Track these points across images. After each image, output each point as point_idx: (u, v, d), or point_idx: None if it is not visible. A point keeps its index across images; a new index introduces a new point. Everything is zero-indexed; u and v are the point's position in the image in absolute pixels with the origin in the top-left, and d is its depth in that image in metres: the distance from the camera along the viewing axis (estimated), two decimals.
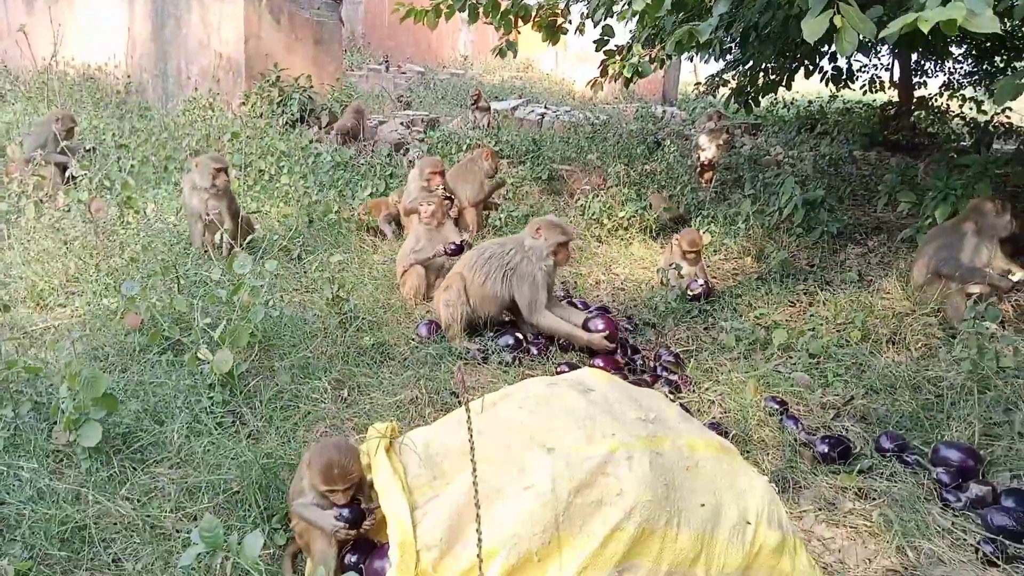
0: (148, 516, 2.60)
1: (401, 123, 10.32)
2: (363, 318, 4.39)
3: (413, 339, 4.32)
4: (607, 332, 4.21)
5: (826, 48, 9.96)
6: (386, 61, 17.35)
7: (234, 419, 3.23)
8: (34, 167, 6.28)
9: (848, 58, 10.66)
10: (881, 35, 3.05)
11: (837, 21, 3.28)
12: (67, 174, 6.19)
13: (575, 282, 5.58)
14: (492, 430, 2.57)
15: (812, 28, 3.33)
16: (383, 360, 4.06)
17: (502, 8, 6.37)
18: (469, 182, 6.60)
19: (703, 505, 2.37)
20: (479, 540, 1.69)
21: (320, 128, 10.12)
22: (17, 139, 6.79)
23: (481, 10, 6.20)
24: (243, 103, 10.18)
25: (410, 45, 19.47)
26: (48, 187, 6.12)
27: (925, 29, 2.76)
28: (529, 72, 20.32)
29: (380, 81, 15.42)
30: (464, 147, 8.88)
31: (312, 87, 10.66)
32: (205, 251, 5.16)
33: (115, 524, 2.56)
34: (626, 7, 5.92)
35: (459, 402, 3.59)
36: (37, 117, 7.55)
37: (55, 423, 2.95)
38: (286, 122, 9.94)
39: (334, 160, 7.66)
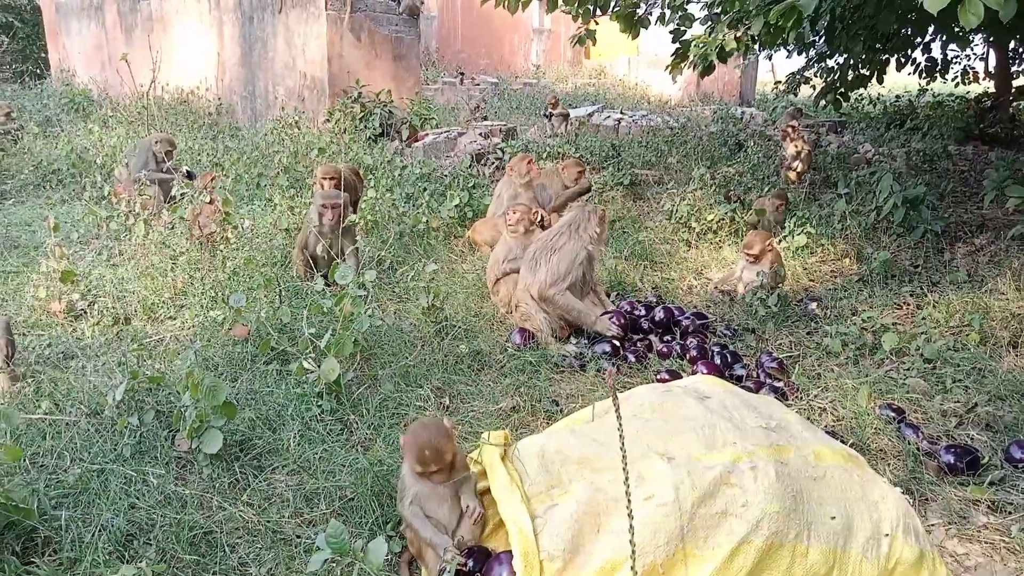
0: (269, 521, 2.66)
1: (479, 133, 10.41)
2: (458, 327, 4.42)
3: (508, 347, 4.32)
4: (613, 317, 4.43)
5: (920, 39, 9.57)
6: (460, 74, 17.58)
7: (343, 427, 3.29)
8: (140, 187, 6.60)
9: (945, 47, 10.19)
10: None
11: None
12: (171, 193, 6.49)
13: (666, 288, 5.48)
14: (607, 439, 2.53)
15: None
16: (480, 368, 4.08)
17: None
18: (549, 189, 6.61)
19: (833, 518, 2.27)
20: (632, 544, 1.65)
21: (402, 141, 10.31)
22: (123, 161, 7.15)
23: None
24: (327, 120, 10.47)
25: (483, 57, 19.69)
26: (153, 206, 6.41)
27: None
28: (602, 79, 20.24)
29: (455, 94, 15.63)
30: (544, 154, 8.89)
31: (392, 102, 10.89)
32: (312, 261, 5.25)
33: (238, 529, 2.64)
34: None
35: (560, 410, 3.57)
36: (139, 140, 7.93)
37: (177, 431, 3.06)
38: (369, 136, 10.18)
39: (419, 172, 7.78)
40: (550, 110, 11.58)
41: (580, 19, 6.45)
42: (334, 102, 10.73)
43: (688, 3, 6.55)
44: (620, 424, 1.61)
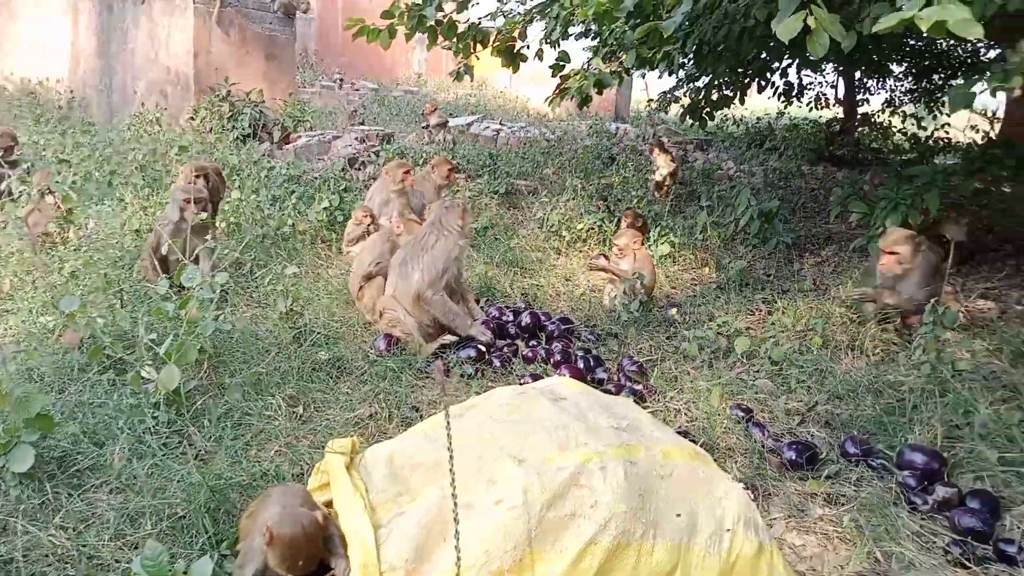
0: (84, 546, 2.41)
1: (355, 138, 10.18)
2: (318, 332, 4.24)
3: (371, 353, 4.18)
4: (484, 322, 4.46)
5: (777, 64, 10.20)
6: (340, 78, 17.20)
7: (181, 440, 3.05)
8: None
9: (799, 72, 10.90)
10: (875, 29, 3.06)
11: (810, 22, 3.31)
12: (2, 187, 5.93)
13: (535, 294, 5.51)
14: (460, 441, 2.45)
15: (787, 28, 3.34)
16: (340, 375, 3.92)
17: (459, 31, 6.31)
18: (424, 195, 6.53)
19: (679, 515, 2.29)
20: (458, 558, 1.58)
21: (273, 143, 9.93)
22: None
23: (440, 32, 6.11)
24: (192, 118, 9.94)
25: (364, 63, 19.34)
26: None
27: (924, 28, 2.78)
28: (483, 90, 20.37)
29: (333, 98, 15.26)
30: (421, 161, 8.79)
31: (263, 102, 10.48)
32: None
33: (47, 556, 2.37)
34: (584, 6, 5.89)
35: (420, 416, 3.47)
36: None
37: None
38: (237, 137, 9.74)
39: (287, 174, 7.49)
40: (428, 117, 11.49)
41: (460, 54, 6.44)
42: (200, 99, 10.21)
43: (565, 38, 6.68)
44: (448, 426, 1.56)
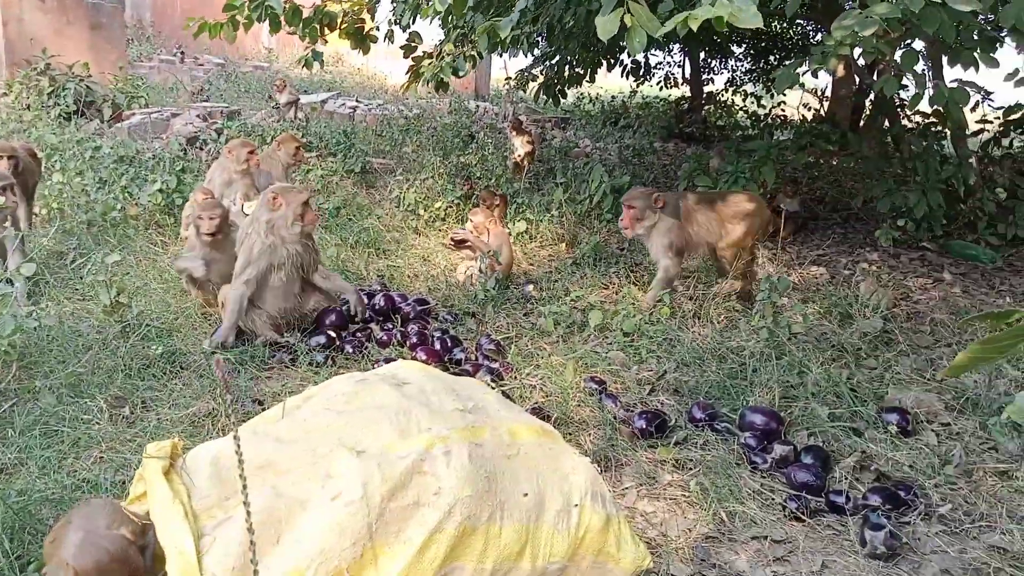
0: None
1: (197, 115, 9.51)
2: (150, 326, 3.90)
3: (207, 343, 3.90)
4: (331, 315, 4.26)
5: (624, 44, 10.46)
6: (181, 52, 16.04)
7: None
8: None
9: (643, 55, 11.24)
10: (659, 32, 3.13)
11: (627, 20, 3.34)
12: None
13: (391, 275, 5.35)
14: (294, 436, 2.31)
15: (605, 26, 3.37)
16: (175, 371, 3.62)
17: (304, 16, 6.00)
18: (271, 173, 6.18)
19: (526, 495, 2.26)
20: (255, 572, 1.44)
21: (102, 121, 9.11)
22: None
23: (283, 19, 5.78)
24: (5, 93, 8.95)
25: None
26: None
27: (694, 26, 2.89)
28: (339, 66, 19.68)
29: (174, 73, 14.20)
30: (269, 139, 8.34)
31: (90, 76, 9.58)
32: None
33: None
34: (428, 6, 5.79)
35: (264, 410, 3.26)
36: None
37: None
38: (59, 114, 8.86)
39: (116, 154, 6.87)
40: (276, 94, 10.93)
41: (307, 39, 6.12)
42: (13, 73, 9.19)
43: (414, 21, 6.49)
44: (237, 439, 1.40)
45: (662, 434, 3.32)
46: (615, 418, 3.39)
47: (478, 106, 14.27)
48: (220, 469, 2.19)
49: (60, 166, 6.52)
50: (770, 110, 13.56)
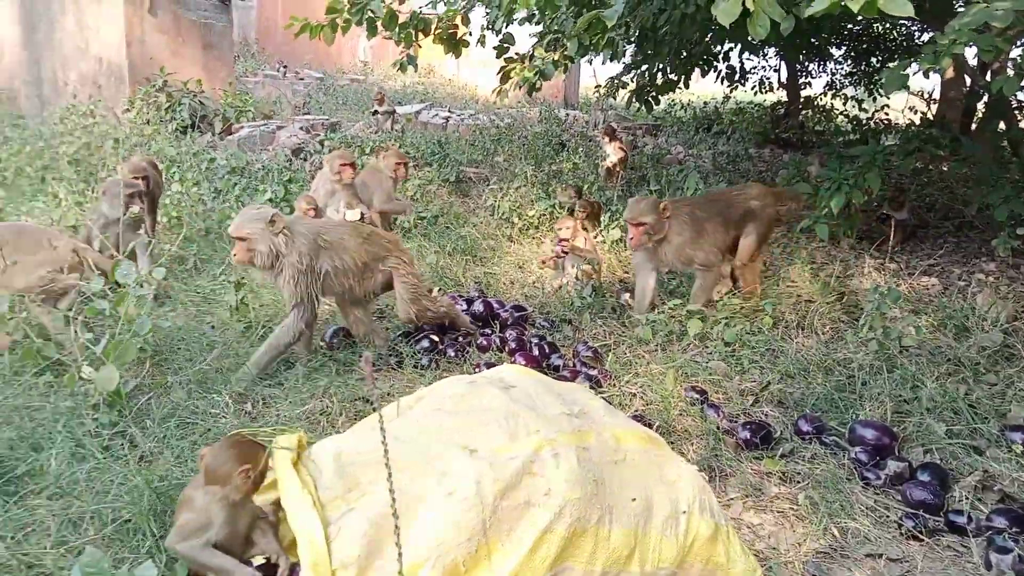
0: (25, 554, 2.29)
1: (300, 128, 9.95)
2: (266, 326, 4.12)
3: (321, 346, 4.09)
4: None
5: (719, 48, 10.29)
6: (283, 67, 16.81)
7: (123, 441, 2.93)
8: None
9: (738, 59, 11.03)
10: (807, 12, 3.07)
11: (749, 4, 3.31)
12: None
13: (488, 282, 5.46)
14: (409, 435, 2.41)
15: (726, 11, 3.34)
16: (289, 370, 3.82)
17: (400, 21, 6.22)
18: (376, 186, 6.41)
19: (634, 499, 2.28)
20: (399, 555, 1.52)
21: (214, 135, 9.65)
22: None
23: (380, 24, 6.00)
24: (127, 109, 9.60)
25: (308, 51, 18.92)
26: None
27: (855, 8, 2.80)
28: (431, 77, 20.15)
29: (277, 87, 14.90)
30: (368, 150, 8.65)
31: (203, 92, 10.17)
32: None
33: None
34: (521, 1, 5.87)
35: (373, 408, 3.40)
36: None
37: None
38: (176, 128, 9.44)
39: (229, 166, 7.27)
40: (376, 107, 11.31)
41: (403, 44, 6.34)
42: (135, 90, 9.85)
43: (507, 25, 6.62)
44: (381, 421, 1.49)
45: (767, 446, 3.27)
46: (718, 428, 3.36)
47: (568, 114, 14.34)
48: (342, 463, 2.30)
49: (179, 177, 6.97)
50: (873, 114, 13.05)
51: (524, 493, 2.18)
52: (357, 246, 3.90)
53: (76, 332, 3.21)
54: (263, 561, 2.26)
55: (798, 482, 3.04)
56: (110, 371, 3.06)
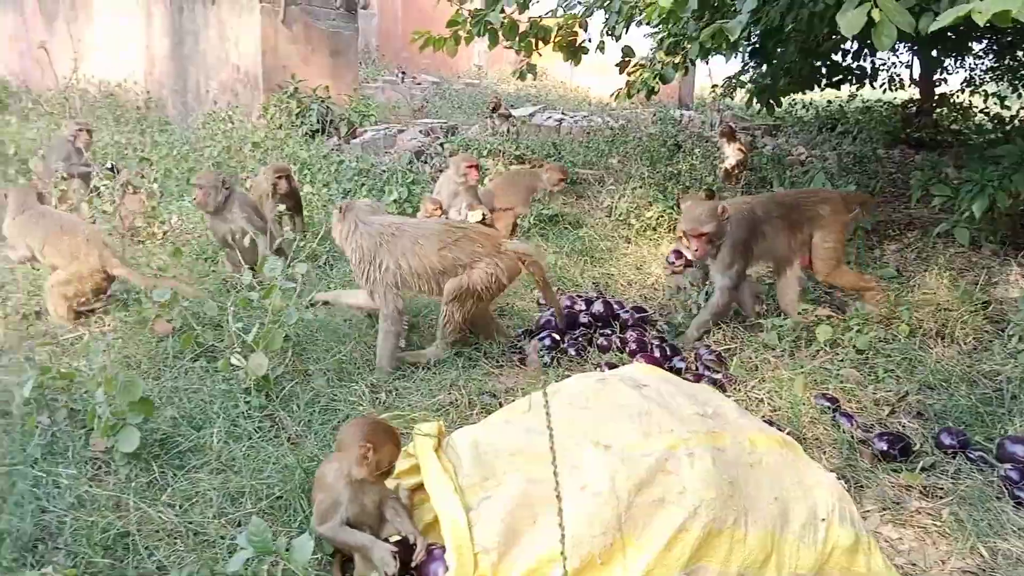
0: (190, 523, 2.51)
1: (420, 131, 10.28)
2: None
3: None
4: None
5: (849, 46, 9.87)
6: (402, 72, 17.38)
7: (272, 424, 3.15)
8: (56, 180, 6.27)
9: (873, 54, 10.54)
10: (932, 27, 2.94)
11: (875, 15, 3.20)
12: (91, 185, 6.19)
13: (606, 283, 5.48)
14: (542, 428, 2.46)
15: (850, 22, 3.24)
16: (417, 364, 3.97)
17: (521, 31, 6.34)
18: (515, 193, 6.61)
19: (771, 503, 2.25)
20: (562, 537, 1.58)
21: (340, 138, 10.11)
22: (40, 154, 6.79)
23: (501, 34, 6.14)
24: (262, 115, 10.20)
25: (424, 56, 19.43)
26: (72, 199, 6.10)
27: (981, 21, 2.66)
28: (543, 80, 20.27)
29: (396, 92, 15.43)
30: (485, 152, 8.84)
31: (330, 97, 10.67)
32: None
33: (157, 531, 2.48)
34: (651, 6, 5.86)
35: (499, 404, 3.49)
36: (55, 133, 7.58)
37: (91, 430, 2.87)
38: (305, 132, 9.95)
39: (356, 168, 7.61)
40: (492, 110, 11.52)
41: (522, 53, 6.47)
42: (269, 97, 10.45)
43: (627, 31, 6.63)
44: (547, 409, 1.55)
45: (905, 458, 3.13)
46: (852, 438, 3.24)
47: (682, 115, 14.11)
48: (479, 453, 2.40)
49: (309, 178, 7.36)
50: (1018, 111, 12.14)
51: (658, 490, 2.20)
52: (433, 251, 3.89)
53: (229, 321, 3.48)
54: (399, 538, 2.37)
55: (941, 497, 2.90)
56: (260, 358, 3.29)
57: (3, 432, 2.94)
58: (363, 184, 7.07)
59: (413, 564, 2.29)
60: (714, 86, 12.96)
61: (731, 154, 8.68)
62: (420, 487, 2.45)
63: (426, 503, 2.40)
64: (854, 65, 10.61)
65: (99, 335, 3.99)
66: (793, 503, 2.30)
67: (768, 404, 3.60)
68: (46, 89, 11.15)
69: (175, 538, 2.47)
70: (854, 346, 4.08)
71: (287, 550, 2.05)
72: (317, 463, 2.77)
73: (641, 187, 7.34)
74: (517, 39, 6.43)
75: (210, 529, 2.51)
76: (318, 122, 10.17)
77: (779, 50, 7.97)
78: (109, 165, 7.15)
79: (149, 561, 2.36)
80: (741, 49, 9.31)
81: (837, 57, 10.02)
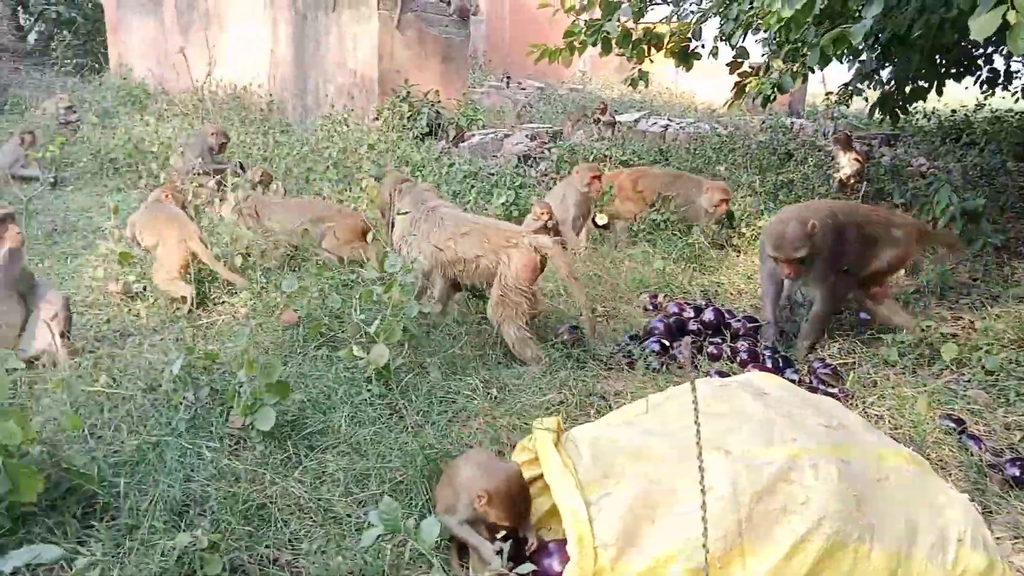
0: (320, 499, 2.68)
1: (526, 135, 10.42)
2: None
3: (556, 341, 4.29)
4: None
5: (981, 51, 9.33)
6: (507, 77, 17.64)
7: (392, 412, 3.30)
8: (193, 176, 6.74)
9: (1008, 59, 9.94)
10: None
11: (1011, 17, 3.05)
12: (223, 181, 6.61)
13: (715, 291, 5.41)
14: (662, 430, 2.50)
15: (982, 26, 3.12)
16: (525, 362, 4.05)
17: (634, 38, 6.35)
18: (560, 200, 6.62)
19: (899, 520, 2.20)
20: (704, 534, 1.61)
21: (448, 141, 10.37)
22: (179, 150, 7.31)
23: (614, 42, 6.18)
24: (376, 118, 10.58)
25: (529, 62, 19.69)
26: (206, 194, 6.54)
27: None
28: (648, 88, 20.12)
29: (501, 97, 15.68)
30: (590, 156, 8.88)
31: (439, 102, 10.96)
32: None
33: (290, 505, 2.65)
34: (770, 14, 5.74)
35: (609, 406, 3.53)
36: (195, 130, 8.13)
37: (230, 408, 3.09)
38: (416, 135, 10.26)
39: (465, 171, 7.81)
40: (598, 115, 11.56)
41: (633, 60, 6.48)
42: (383, 101, 10.83)
43: (744, 38, 6.52)
44: (695, 400, 1.58)
45: None
46: (981, 461, 3.10)
47: (793, 122, 13.70)
48: (599, 451, 2.44)
49: (420, 179, 7.59)
50: None
51: (780, 499, 2.18)
52: (442, 241, 4.18)
53: (355, 312, 3.66)
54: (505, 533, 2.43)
55: None
56: (381, 349, 3.45)
57: (152, 407, 3.20)
58: (472, 186, 7.24)
59: (527, 553, 2.36)
60: (828, 93, 12.53)
61: (846, 164, 8.39)
62: (537, 478, 2.51)
63: (543, 495, 2.47)
64: (987, 70, 10.02)
65: (243, 319, 4.28)
66: (922, 522, 2.23)
67: (888, 422, 3.48)
68: (181, 91, 11.95)
69: (306, 512, 2.64)
70: (983, 367, 3.89)
71: (416, 530, 2.15)
72: (437, 451, 2.89)
73: (751, 195, 7.20)
74: (630, 47, 6.44)
75: (338, 507, 2.66)
76: (428, 125, 10.46)
77: (905, 57, 7.62)
78: (237, 163, 7.63)
79: (283, 531, 2.53)
80: (864, 56, 8.96)
81: (967, 63, 9.47)
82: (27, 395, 3.33)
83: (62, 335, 3.78)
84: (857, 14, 5.60)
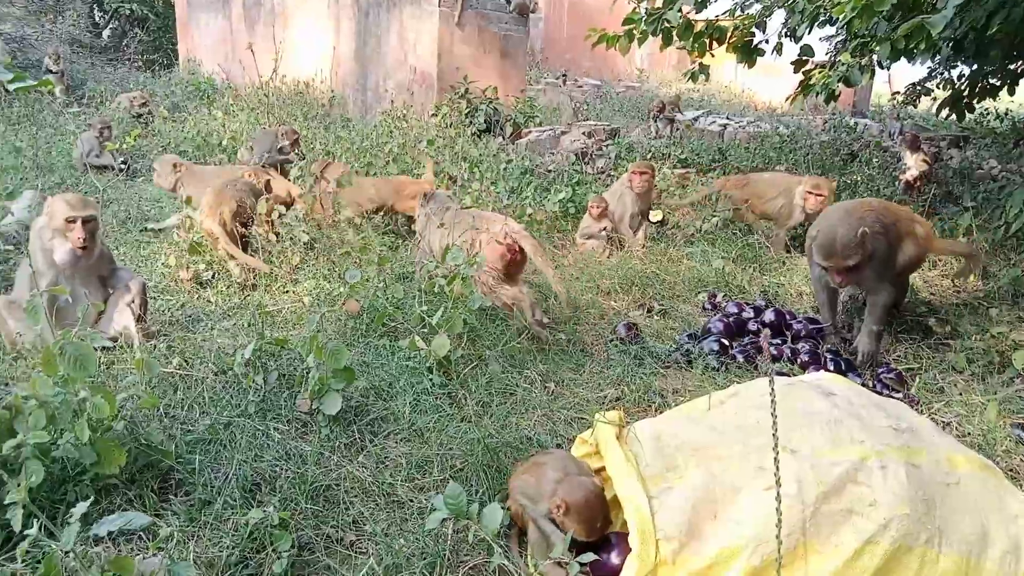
0: (384, 483, 2.75)
1: (583, 132, 10.41)
2: (559, 316, 4.44)
3: (613, 339, 4.30)
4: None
5: None
6: (564, 75, 17.62)
7: (452, 401, 3.36)
8: (257, 169, 6.94)
9: None
10: None
11: None
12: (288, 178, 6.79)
13: (775, 292, 5.34)
14: (725, 428, 2.49)
15: None
16: (583, 358, 4.08)
17: (696, 30, 6.27)
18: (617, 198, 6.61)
19: (969, 526, 2.15)
20: (779, 535, 1.62)
21: (505, 138, 10.43)
22: (248, 144, 7.52)
23: (675, 33, 6.11)
24: (434, 114, 10.71)
25: (586, 59, 19.65)
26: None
27: None
28: (706, 83, 19.85)
29: (558, 94, 15.68)
30: (648, 155, 8.83)
31: (497, 98, 11.02)
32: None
33: (355, 487, 2.73)
34: (839, 5, 5.61)
35: (666, 403, 3.53)
36: (266, 127, 8.35)
37: (297, 392, 3.20)
38: (474, 132, 10.35)
39: (522, 167, 7.85)
40: (657, 113, 11.47)
41: (695, 53, 6.40)
42: (441, 97, 10.95)
43: (810, 31, 6.38)
44: (773, 393, 1.59)
45: None
46: None
47: (856, 122, 13.37)
48: (661, 445, 2.45)
49: (479, 176, 7.66)
50: None
51: (846, 500, 2.16)
52: (435, 235, 4.60)
53: (417, 303, 3.73)
54: None
55: None
56: (442, 339, 3.51)
57: (223, 388, 3.32)
58: (529, 183, 7.28)
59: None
60: (895, 93, 12.20)
61: (914, 165, 8.16)
62: (599, 471, 2.54)
63: (604, 487, 2.49)
64: None
65: (298, 311, 4.40)
66: (993, 529, 2.18)
67: (956, 429, 3.40)
68: (247, 86, 12.29)
69: (369, 495, 2.71)
70: None
71: (479, 515, 2.20)
72: (496, 440, 2.94)
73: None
74: (691, 39, 6.36)
75: (400, 491, 2.73)
76: (485, 122, 10.54)
77: (980, 54, 7.37)
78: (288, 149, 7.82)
79: (348, 512, 2.61)
80: (936, 52, 8.70)
81: None
82: (105, 374, 3.49)
83: (139, 319, 3.94)
84: (932, 6, 5.44)
